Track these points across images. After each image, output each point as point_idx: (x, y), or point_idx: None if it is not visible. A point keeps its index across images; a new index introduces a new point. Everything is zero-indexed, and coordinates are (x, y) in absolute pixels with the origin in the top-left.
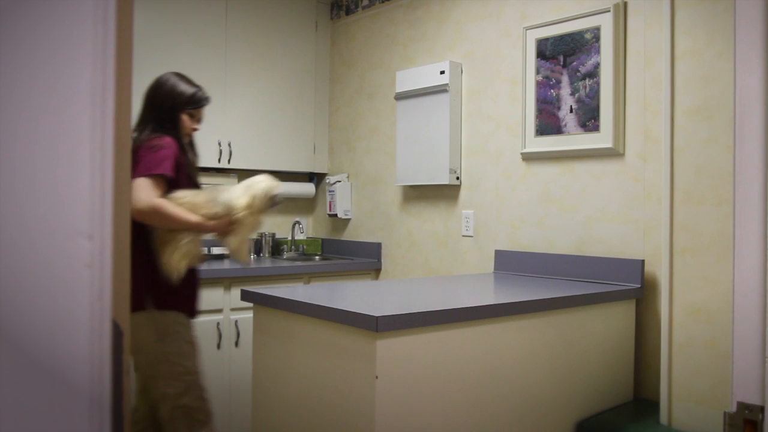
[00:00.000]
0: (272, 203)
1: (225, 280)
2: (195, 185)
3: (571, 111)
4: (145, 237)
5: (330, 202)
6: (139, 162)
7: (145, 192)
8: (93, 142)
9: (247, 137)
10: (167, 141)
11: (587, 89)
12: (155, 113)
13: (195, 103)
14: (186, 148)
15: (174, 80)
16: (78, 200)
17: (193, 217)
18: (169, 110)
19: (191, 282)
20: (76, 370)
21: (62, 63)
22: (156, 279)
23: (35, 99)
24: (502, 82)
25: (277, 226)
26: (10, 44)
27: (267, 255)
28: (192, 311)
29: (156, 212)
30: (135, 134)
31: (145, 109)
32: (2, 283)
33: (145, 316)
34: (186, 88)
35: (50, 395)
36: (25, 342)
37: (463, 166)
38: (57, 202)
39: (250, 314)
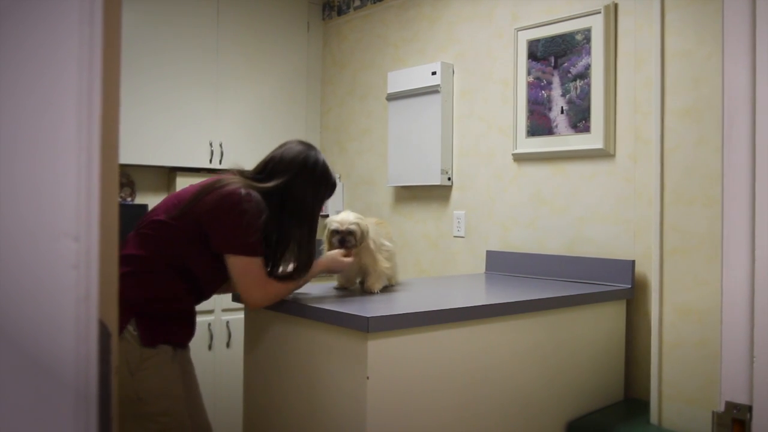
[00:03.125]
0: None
1: None
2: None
3: (562, 112)
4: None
5: None
6: (220, 221)
7: (255, 287)
8: (79, 143)
9: (239, 138)
10: (257, 208)
11: (578, 90)
12: (296, 206)
13: (332, 193)
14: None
15: (323, 160)
16: (64, 201)
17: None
18: (312, 206)
19: (187, 310)
20: (62, 370)
21: (47, 63)
22: (154, 300)
23: (20, 100)
24: (493, 83)
25: None
26: None
27: None
28: (182, 343)
29: (274, 299)
30: (241, 174)
31: (280, 175)
32: None
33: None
34: (331, 173)
35: (36, 396)
36: (10, 343)
37: (454, 166)
38: (42, 204)
39: (241, 315)
